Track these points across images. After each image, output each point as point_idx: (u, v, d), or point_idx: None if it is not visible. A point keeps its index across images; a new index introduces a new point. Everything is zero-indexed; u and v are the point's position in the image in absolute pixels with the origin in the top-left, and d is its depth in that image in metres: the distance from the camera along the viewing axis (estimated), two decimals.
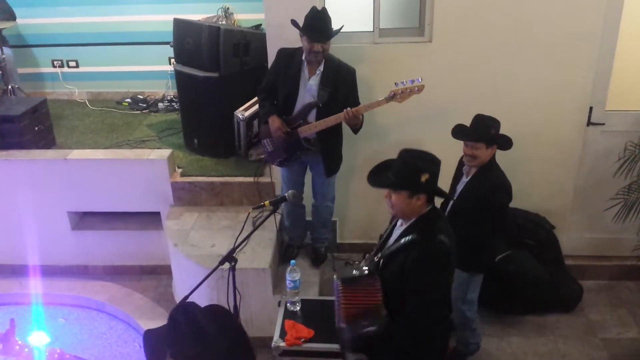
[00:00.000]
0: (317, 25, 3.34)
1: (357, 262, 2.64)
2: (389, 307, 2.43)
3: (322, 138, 3.57)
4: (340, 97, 3.47)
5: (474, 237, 3.14)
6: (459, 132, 3.24)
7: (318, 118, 3.50)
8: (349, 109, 3.39)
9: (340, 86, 3.48)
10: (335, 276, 2.69)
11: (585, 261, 4.32)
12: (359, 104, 3.50)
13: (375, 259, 2.58)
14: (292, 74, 3.51)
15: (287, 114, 3.59)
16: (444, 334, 2.59)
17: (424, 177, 2.34)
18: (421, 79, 3.37)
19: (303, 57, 3.48)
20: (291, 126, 3.57)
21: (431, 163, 2.41)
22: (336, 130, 3.61)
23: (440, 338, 2.55)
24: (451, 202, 3.29)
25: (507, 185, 3.16)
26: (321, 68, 3.46)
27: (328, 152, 3.65)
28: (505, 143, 3.18)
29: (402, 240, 2.43)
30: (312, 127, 3.52)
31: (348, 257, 4.32)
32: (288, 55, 3.55)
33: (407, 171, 2.38)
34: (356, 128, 3.55)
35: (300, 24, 3.41)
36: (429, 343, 2.44)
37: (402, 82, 3.36)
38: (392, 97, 3.38)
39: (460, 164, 3.35)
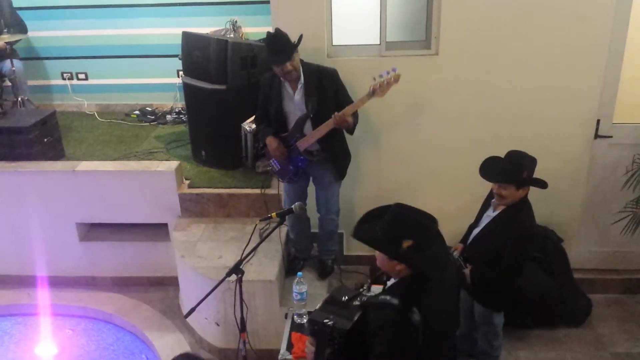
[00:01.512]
0: (276, 49, 3.36)
1: (364, 289, 2.49)
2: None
3: (325, 146, 3.60)
4: (329, 101, 3.49)
5: (491, 275, 3.08)
6: (487, 169, 2.97)
7: (314, 128, 3.53)
8: (336, 113, 3.41)
9: (326, 91, 3.50)
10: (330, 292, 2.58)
11: (594, 274, 4.29)
12: (352, 100, 3.52)
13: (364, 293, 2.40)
14: (276, 95, 3.55)
15: (283, 133, 3.64)
16: None
17: (406, 244, 2.08)
18: (396, 69, 3.36)
19: (282, 77, 3.51)
20: (289, 142, 3.61)
21: (420, 228, 2.12)
22: (335, 132, 3.61)
23: None
24: (475, 231, 3.21)
25: (532, 233, 3.00)
26: (302, 81, 3.48)
27: (335, 156, 3.68)
28: (539, 186, 2.96)
29: (381, 297, 2.17)
30: (308, 138, 3.55)
31: (355, 269, 4.31)
32: (268, 80, 3.60)
33: (390, 232, 2.13)
34: (349, 129, 3.57)
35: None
36: None
37: (380, 76, 3.37)
38: (372, 93, 3.38)
39: (491, 194, 3.16)
